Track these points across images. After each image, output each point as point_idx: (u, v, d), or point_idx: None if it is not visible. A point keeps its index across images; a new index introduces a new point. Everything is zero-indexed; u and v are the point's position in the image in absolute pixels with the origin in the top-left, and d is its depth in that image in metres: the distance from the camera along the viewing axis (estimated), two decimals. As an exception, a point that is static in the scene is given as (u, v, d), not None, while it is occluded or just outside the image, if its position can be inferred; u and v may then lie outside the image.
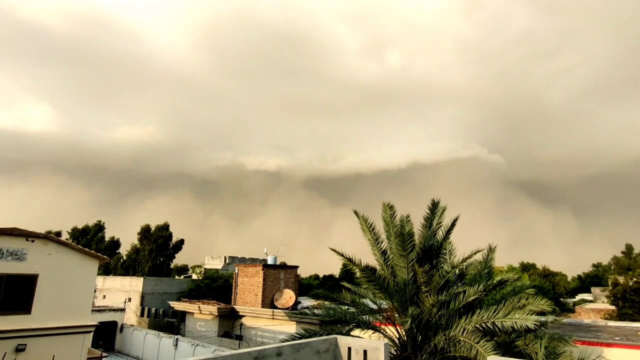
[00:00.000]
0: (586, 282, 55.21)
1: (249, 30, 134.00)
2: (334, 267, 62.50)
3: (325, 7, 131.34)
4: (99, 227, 48.17)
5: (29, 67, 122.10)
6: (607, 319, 22.25)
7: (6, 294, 12.42)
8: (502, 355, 8.14)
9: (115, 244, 48.71)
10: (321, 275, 61.56)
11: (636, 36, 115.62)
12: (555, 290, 45.77)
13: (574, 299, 44.63)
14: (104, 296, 34.12)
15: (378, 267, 11.45)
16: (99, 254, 14.50)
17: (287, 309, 23.10)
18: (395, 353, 10.67)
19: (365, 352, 7.02)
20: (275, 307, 23.59)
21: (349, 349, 7.26)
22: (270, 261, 27.16)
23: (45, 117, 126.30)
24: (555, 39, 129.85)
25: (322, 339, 7.34)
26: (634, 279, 22.53)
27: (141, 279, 32.04)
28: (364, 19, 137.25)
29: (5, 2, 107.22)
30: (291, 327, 21.36)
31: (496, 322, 9.32)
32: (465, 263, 11.10)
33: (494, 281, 10.36)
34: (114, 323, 27.56)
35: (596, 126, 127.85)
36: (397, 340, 11.02)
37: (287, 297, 24.27)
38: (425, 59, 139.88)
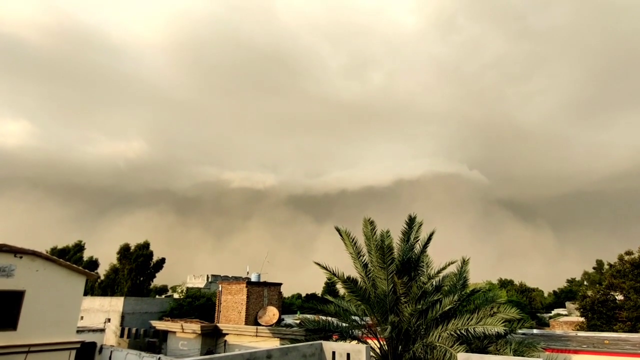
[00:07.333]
0: (561, 297, 56.88)
1: (233, 49, 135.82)
2: (317, 286, 62.56)
3: (308, 27, 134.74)
4: (79, 247, 47.10)
5: (7, 81, 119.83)
6: (577, 329, 23.33)
7: (-7, 310, 12.39)
8: None
9: (93, 264, 47.59)
10: (304, 294, 61.43)
11: (601, 60, 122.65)
12: (532, 305, 47.08)
13: (550, 314, 45.93)
14: (82, 317, 33.29)
15: (360, 279, 12.05)
16: (85, 270, 14.61)
17: (270, 325, 23.27)
18: (376, 361, 11.20)
19: (348, 355, 7.59)
20: (259, 324, 23.71)
21: (333, 352, 7.81)
22: (253, 279, 27.31)
23: (24, 132, 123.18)
24: (527, 63, 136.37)
25: (309, 344, 7.88)
26: (601, 292, 23.87)
27: (121, 299, 31.52)
28: (345, 39, 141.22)
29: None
30: (275, 344, 21.54)
31: (469, 329, 10.04)
32: (441, 274, 11.81)
33: (467, 291, 11.13)
34: (93, 344, 26.97)
35: (568, 145, 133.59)
36: (378, 351, 11.56)
37: (271, 314, 24.43)
38: (406, 79, 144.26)
